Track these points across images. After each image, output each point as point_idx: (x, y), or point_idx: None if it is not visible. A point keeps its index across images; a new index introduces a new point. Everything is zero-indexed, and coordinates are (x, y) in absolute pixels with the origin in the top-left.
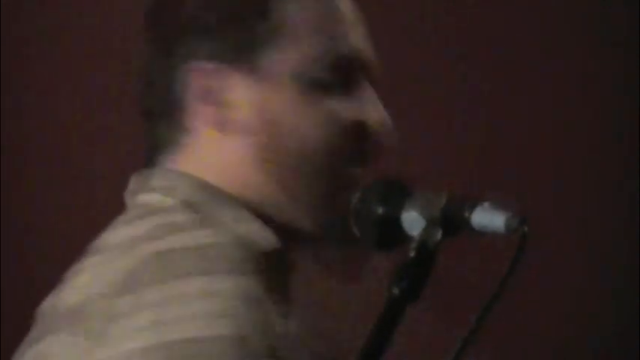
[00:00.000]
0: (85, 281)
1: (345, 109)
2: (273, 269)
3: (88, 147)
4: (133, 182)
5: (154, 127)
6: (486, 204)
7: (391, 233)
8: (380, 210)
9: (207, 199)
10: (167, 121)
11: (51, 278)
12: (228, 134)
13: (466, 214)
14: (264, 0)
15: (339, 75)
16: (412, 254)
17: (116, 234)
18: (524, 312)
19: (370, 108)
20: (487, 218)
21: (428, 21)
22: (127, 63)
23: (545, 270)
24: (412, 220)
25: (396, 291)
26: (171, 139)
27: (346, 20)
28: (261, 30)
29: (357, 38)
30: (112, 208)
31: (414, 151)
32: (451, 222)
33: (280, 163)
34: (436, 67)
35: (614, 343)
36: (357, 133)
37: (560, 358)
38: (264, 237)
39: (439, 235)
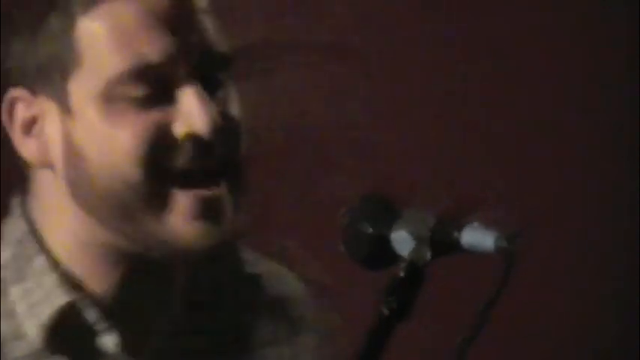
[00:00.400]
0: None
1: (155, 123)
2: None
3: None
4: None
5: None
6: (476, 223)
7: (380, 253)
8: (369, 229)
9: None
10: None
11: None
12: (47, 168)
13: (455, 234)
14: (68, 21)
15: (151, 86)
16: (402, 274)
17: None
18: (523, 312)
19: (191, 112)
20: (476, 238)
21: (426, 24)
22: None
23: (545, 271)
24: (402, 240)
25: (385, 311)
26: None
27: (157, 24)
28: (62, 54)
29: (159, 39)
30: None
31: (410, 154)
32: (441, 242)
33: (93, 197)
34: (434, 67)
35: (614, 343)
36: (178, 147)
37: (560, 358)
38: (48, 301)
39: (429, 254)
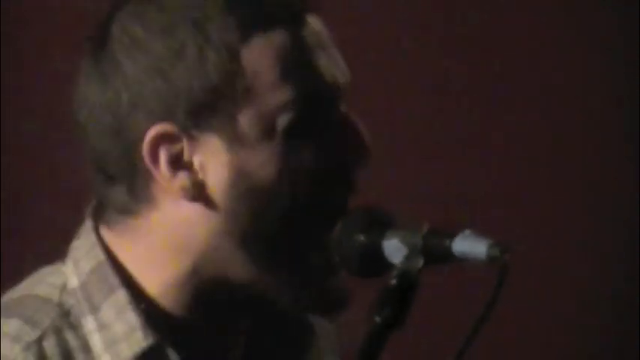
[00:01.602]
0: None
1: (325, 149)
2: None
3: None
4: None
5: (107, 188)
6: (467, 232)
7: (373, 261)
8: (361, 238)
9: (91, 293)
10: (123, 185)
11: None
12: (200, 203)
13: (447, 242)
14: (228, 52)
15: (312, 115)
16: (394, 282)
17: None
18: (523, 313)
19: (351, 138)
20: (468, 246)
21: (416, 30)
22: None
23: (545, 272)
24: (394, 248)
25: (378, 319)
26: (126, 206)
27: (311, 51)
28: (227, 85)
29: (327, 68)
30: None
31: (402, 164)
32: (433, 250)
33: (261, 231)
34: (427, 75)
35: (614, 344)
36: (343, 170)
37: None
38: (127, 340)
39: (421, 262)
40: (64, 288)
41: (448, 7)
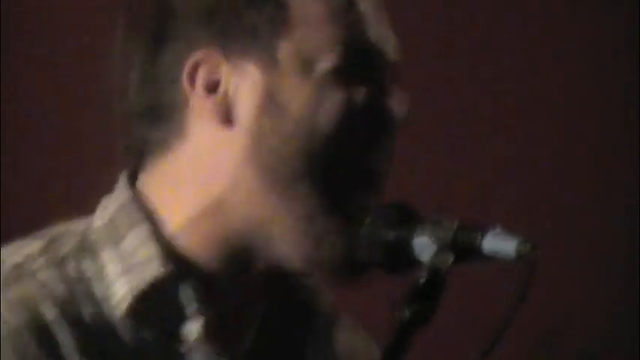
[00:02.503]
0: None
1: (361, 97)
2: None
3: (89, 144)
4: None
5: (140, 129)
6: (498, 229)
7: (402, 258)
8: (391, 235)
9: (113, 228)
10: (162, 120)
11: None
12: (230, 130)
13: (478, 239)
14: None
15: (354, 64)
16: (423, 279)
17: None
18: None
19: (387, 97)
20: (498, 243)
21: (432, 36)
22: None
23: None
24: (423, 246)
25: (406, 314)
26: (163, 139)
27: (363, 12)
28: (272, 15)
29: (373, 31)
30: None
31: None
32: (463, 247)
33: (285, 160)
34: (441, 79)
35: (614, 345)
36: (374, 123)
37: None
38: (144, 268)
39: (450, 260)
40: (88, 226)
41: (448, 7)
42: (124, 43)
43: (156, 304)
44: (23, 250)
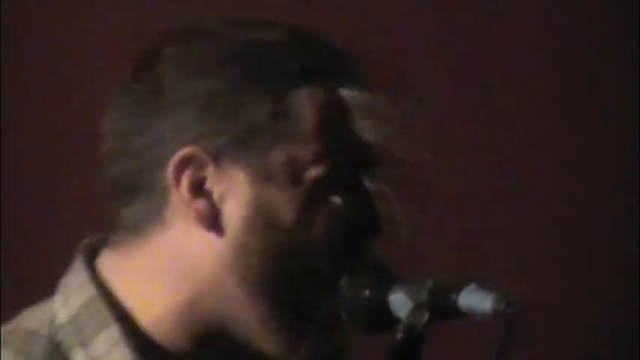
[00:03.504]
0: None
1: (352, 209)
2: None
3: (89, 147)
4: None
5: (121, 206)
6: (473, 285)
7: (380, 316)
8: (366, 293)
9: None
10: (139, 204)
11: (51, 279)
12: (212, 231)
13: (453, 297)
14: (275, 92)
15: (346, 173)
16: (399, 336)
17: None
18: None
19: (371, 208)
20: (474, 300)
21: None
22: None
23: (544, 274)
24: (399, 303)
25: None
26: (137, 224)
27: (362, 118)
28: (267, 123)
29: (370, 134)
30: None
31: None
32: (438, 304)
33: (266, 269)
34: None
35: (614, 345)
36: (359, 234)
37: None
38: None
39: (426, 317)
40: (52, 323)
41: (448, 7)
42: (118, 103)
43: None
44: None
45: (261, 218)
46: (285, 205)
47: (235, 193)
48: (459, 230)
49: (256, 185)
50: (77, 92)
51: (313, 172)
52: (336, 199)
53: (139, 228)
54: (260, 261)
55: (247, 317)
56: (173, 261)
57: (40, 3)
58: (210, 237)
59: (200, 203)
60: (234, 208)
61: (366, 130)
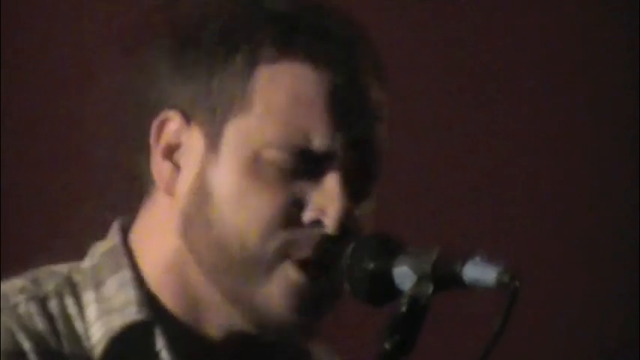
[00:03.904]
0: None
1: (293, 201)
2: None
3: (91, 143)
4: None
5: (137, 168)
6: (478, 258)
7: (383, 288)
8: (371, 265)
9: (95, 274)
10: (146, 165)
11: None
12: (171, 197)
13: (457, 269)
14: (251, 65)
15: (297, 163)
16: (403, 309)
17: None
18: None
19: (327, 202)
20: (478, 273)
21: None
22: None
23: (544, 275)
24: (403, 275)
25: (387, 345)
26: (144, 184)
27: (335, 100)
28: (235, 93)
29: (342, 119)
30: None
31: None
32: (442, 276)
33: (203, 240)
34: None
35: (614, 346)
36: (302, 224)
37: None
38: (120, 312)
39: (430, 289)
40: (75, 266)
41: (448, 7)
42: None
43: (131, 349)
44: (6, 286)
45: (201, 190)
46: (225, 180)
47: (191, 160)
48: (455, 233)
49: (207, 154)
50: (77, 91)
51: (266, 154)
52: (291, 189)
53: (144, 185)
54: (197, 232)
55: (204, 288)
56: (160, 221)
57: (40, 3)
58: (170, 203)
59: (165, 166)
60: (186, 176)
61: (341, 116)
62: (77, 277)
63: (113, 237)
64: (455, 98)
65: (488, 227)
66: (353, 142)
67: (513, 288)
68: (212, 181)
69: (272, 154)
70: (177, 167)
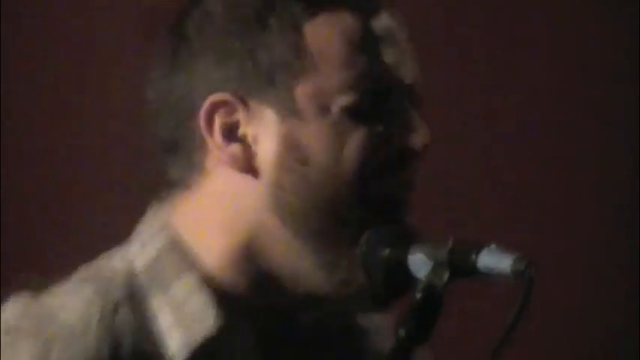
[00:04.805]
0: None
1: (380, 135)
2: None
3: (93, 149)
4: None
5: (167, 162)
6: (493, 246)
7: (398, 276)
8: (386, 252)
9: (161, 268)
10: (181, 157)
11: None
12: (249, 174)
13: (473, 256)
14: (293, 25)
15: (372, 100)
16: (419, 296)
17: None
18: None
19: (407, 130)
20: (494, 260)
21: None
22: (135, 67)
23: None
24: (419, 262)
25: (402, 333)
26: (183, 178)
27: (379, 42)
28: (288, 58)
29: (390, 61)
30: (114, 214)
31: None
32: (458, 264)
33: (308, 210)
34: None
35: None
36: (394, 159)
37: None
38: (199, 320)
39: (446, 277)
40: (129, 270)
41: (450, 7)
42: (156, 65)
43: (211, 356)
44: (70, 296)
45: (293, 154)
46: (313, 139)
47: (267, 133)
48: (454, 231)
49: (285, 122)
50: (77, 91)
51: (341, 102)
52: (367, 128)
53: (184, 179)
54: (297, 198)
55: (295, 257)
56: (220, 209)
57: (40, 3)
58: (249, 180)
59: (234, 147)
60: (267, 148)
61: (388, 57)
62: (139, 281)
63: (158, 229)
64: (461, 96)
65: (488, 227)
66: (405, 76)
67: (529, 276)
68: (303, 145)
69: (348, 100)
70: (247, 145)
